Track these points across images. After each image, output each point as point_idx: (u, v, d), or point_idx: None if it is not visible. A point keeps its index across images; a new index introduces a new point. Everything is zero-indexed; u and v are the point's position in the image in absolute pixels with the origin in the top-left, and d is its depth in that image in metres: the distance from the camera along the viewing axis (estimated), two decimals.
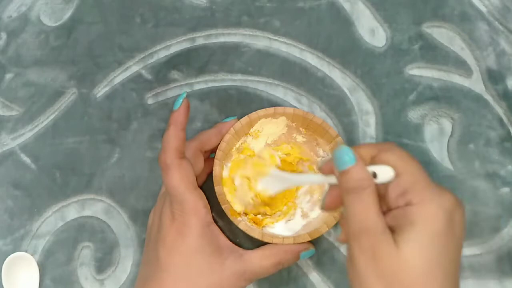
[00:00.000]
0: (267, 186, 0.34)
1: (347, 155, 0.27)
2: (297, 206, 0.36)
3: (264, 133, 0.38)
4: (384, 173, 0.27)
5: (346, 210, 0.27)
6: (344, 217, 0.27)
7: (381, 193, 0.28)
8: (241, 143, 0.38)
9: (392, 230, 0.26)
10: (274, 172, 0.34)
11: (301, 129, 0.38)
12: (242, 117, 0.37)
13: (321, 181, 0.31)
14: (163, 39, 0.44)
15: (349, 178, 0.27)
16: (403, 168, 0.27)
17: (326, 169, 0.30)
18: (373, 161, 0.28)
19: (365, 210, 0.26)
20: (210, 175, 0.37)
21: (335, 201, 0.30)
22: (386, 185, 0.28)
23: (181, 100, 0.32)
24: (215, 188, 0.35)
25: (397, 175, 0.27)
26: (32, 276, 0.38)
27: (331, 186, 0.30)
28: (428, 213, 0.25)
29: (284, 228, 0.36)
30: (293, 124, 0.38)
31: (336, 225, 0.34)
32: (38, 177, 0.41)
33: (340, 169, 0.27)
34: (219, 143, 0.36)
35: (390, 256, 0.25)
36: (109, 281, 0.38)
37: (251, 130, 0.37)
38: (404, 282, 0.25)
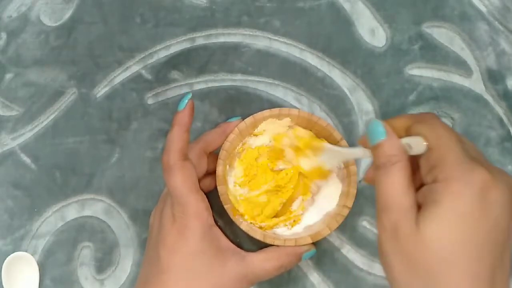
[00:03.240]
0: (326, 160, 0.35)
1: (378, 129, 0.26)
2: (300, 219, 0.36)
3: (267, 133, 0.38)
4: (417, 145, 0.26)
5: (376, 186, 0.26)
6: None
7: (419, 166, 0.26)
8: (243, 143, 0.37)
9: (420, 208, 0.24)
10: (328, 146, 0.35)
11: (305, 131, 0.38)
12: (244, 117, 0.36)
13: (366, 155, 0.30)
14: (163, 39, 0.44)
15: (380, 153, 0.26)
16: (435, 141, 0.25)
17: (364, 142, 0.29)
18: (408, 132, 0.27)
19: (391, 186, 0.25)
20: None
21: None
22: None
23: (186, 101, 0.32)
24: (218, 187, 0.35)
25: (429, 149, 0.25)
26: (32, 276, 0.38)
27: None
28: (453, 192, 0.23)
29: (286, 230, 0.36)
30: (297, 126, 0.37)
31: (337, 228, 0.34)
32: (38, 177, 0.41)
33: (372, 143, 0.26)
34: (223, 143, 0.36)
35: (410, 236, 0.24)
36: (109, 281, 0.38)
37: (255, 130, 0.37)
38: (425, 266, 0.23)
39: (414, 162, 0.26)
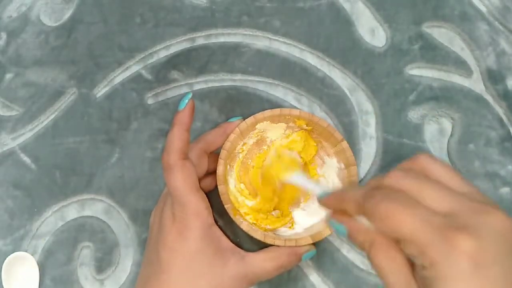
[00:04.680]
0: (292, 182, 0.35)
1: (339, 230, 0.25)
2: (294, 222, 0.36)
3: (268, 134, 0.38)
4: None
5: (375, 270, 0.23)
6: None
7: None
8: (244, 143, 0.37)
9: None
10: (296, 176, 0.34)
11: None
12: (244, 117, 0.36)
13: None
14: (163, 39, 0.44)
15: (354, 240, 0.25)
16: (388, 227, 0.22)
17: (326, 203, 0.27)
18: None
19: (385, 269, 0.23)
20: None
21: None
22: None
23: (187, 100, 0.32)
24: (219, 187, 0.35)
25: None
26: (32, 276, 0.38)
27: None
28: (444, 277, 0.21)
29: (286, 230, 0.36)
30: (297, 126, 0.37)
31: None
32: (38, 177, 0.41)
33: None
34: (223, 143, 0.36)
35: None
36: (109, 281, 0.38)
37: (256, 130, 0.37)
38: None
39: None
